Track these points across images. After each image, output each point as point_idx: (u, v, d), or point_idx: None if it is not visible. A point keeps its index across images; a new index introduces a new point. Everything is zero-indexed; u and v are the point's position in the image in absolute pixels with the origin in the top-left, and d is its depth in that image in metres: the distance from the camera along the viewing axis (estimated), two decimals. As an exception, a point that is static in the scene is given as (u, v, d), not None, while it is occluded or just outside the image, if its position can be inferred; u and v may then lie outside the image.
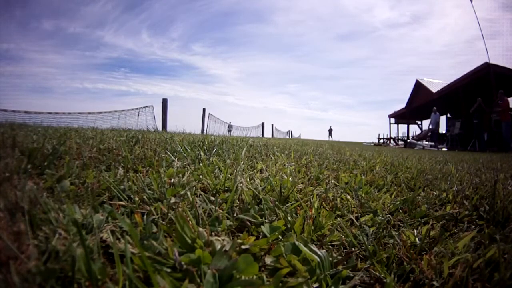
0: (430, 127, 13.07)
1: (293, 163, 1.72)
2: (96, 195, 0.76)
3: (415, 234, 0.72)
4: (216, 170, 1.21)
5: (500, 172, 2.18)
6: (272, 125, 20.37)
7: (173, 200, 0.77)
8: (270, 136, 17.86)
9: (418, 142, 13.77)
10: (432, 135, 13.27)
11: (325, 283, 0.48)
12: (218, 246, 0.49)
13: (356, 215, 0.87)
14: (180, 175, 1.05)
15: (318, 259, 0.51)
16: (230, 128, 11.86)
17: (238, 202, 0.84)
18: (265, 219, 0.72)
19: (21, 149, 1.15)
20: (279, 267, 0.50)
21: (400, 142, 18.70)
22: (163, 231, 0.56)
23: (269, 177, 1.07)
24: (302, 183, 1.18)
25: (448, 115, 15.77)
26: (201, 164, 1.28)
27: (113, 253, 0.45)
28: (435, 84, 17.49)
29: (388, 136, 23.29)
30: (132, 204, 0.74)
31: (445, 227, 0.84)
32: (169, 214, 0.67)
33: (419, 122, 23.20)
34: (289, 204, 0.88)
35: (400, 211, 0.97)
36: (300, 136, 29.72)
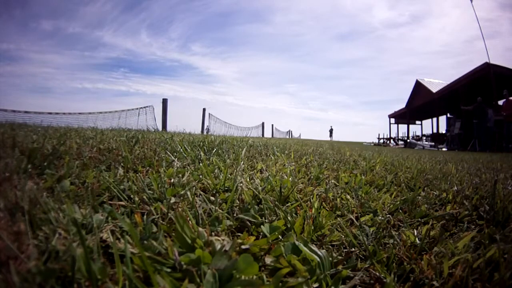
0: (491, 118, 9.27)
1: (293, 163, 1.72)
2: (96, 195, 0.76)
3: (415, 234, 0.72)
4: (216, 170, 1.21)
5: (500, 172, 2.18)
6: (272, 125, 20.38)
7: (173, 200, 0.77)
8: (270, 136, 17.86)
9: (418, 142, 13.71)
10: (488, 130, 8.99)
11: (325, 283, 0.48)
12: (218, 246, 0.49)
13: (356, 215, 0.87)
14: (180, 175, 1.05)
15: (318, 259, 0.51)
16: (207, 130, 11.88)
17: (238, 202, 0.83)
18: (265, 219, 0.72)
19: (21, 149, 1.15)
20: (279, 267, 0.50)
21: (400, 142, 18.71)
22: (163, 231, 0.56)
23: (269, 177, 1.07)
24: (302, 183, 1.17)
25: (448, 115, 15.79)
26: (201, 164, 1.28)
27: (113, 253, 0.45)
28: (435, 84, 17.51)
29: (388, 136, 23.31)
30: (132, 204, 0.74)
31: (445, 227, 0.84)
32: (169, 214, 0.67)
33: (418, 122, 23.19)
34: (289, 204, 0.88)
35: (400, 211, 0.97)
36: (300, 136, 29.73)
